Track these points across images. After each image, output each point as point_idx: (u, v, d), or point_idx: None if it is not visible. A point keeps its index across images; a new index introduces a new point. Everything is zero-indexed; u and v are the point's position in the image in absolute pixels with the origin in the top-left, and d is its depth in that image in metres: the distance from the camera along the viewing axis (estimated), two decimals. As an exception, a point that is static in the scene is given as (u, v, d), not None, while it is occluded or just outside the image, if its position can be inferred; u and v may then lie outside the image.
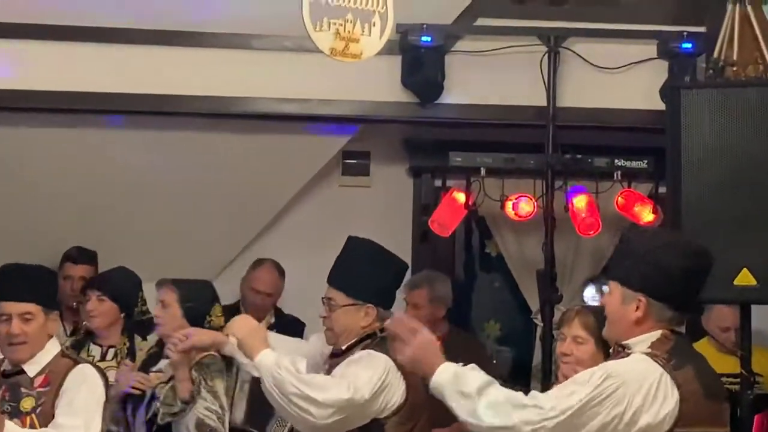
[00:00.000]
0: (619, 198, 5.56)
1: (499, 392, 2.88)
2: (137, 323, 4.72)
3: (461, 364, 3.01)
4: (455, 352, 3.31)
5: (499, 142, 5.51)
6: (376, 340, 3.63)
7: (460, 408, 2.87)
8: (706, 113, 4.11)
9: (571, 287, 6.00)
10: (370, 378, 3.44)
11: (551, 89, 5.21)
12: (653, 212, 5.48)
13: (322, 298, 3.74)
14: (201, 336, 3.96)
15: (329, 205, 6.04)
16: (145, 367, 4.33)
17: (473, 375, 2.92)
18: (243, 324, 3.63)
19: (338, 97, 5.23)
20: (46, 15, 5.03)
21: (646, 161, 5.30)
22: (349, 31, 3.94)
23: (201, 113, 5.24)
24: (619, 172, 5.37)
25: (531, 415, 2.80)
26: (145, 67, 5.13)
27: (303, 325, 5.45)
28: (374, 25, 4.00)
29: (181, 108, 5.19)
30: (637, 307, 2.95)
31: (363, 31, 3.97)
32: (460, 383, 2.88)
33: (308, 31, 3.94)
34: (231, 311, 5.44)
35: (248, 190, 5.66)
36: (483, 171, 5.34)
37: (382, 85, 5.21)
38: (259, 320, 5.45)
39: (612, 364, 2.92)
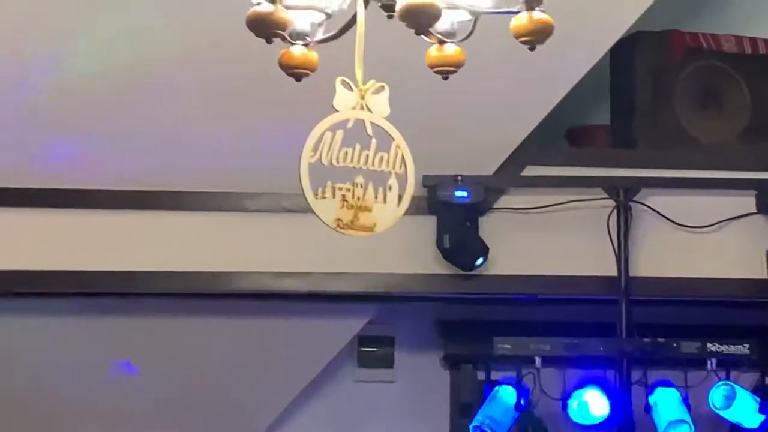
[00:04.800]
0: (716, 392, 5.50)
1: None
2: None
3: None
4: None
5: (557, 323, 5.52)
6: None
7: None
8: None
9: None
10: None
11: (622, 255, 5.26)
12: (761, 411, 5.43)
13: None
14: None
15: (342, 407, 6.06)
16: None
17: None
18: None
19: (351, 270, 5.26)
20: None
21: (747, 345, 5.31)
22: (358, 198, 3.91)
23: (176, 293, 5.24)
24: (714, 360, 5.34)
25: None
26: (106, 239, 5.16)
27: None
28: (390, 189, 3.94)
29: (153, 287, 5.19)
30: None
31: (376, 198, 3.93)
32: None
33: (307, 198, 3.95)
34: None
35: (239, 389, 5.65)
36: (538, 360, 5.32)
37: (405, 254, 5.24)
38: None
39: None
